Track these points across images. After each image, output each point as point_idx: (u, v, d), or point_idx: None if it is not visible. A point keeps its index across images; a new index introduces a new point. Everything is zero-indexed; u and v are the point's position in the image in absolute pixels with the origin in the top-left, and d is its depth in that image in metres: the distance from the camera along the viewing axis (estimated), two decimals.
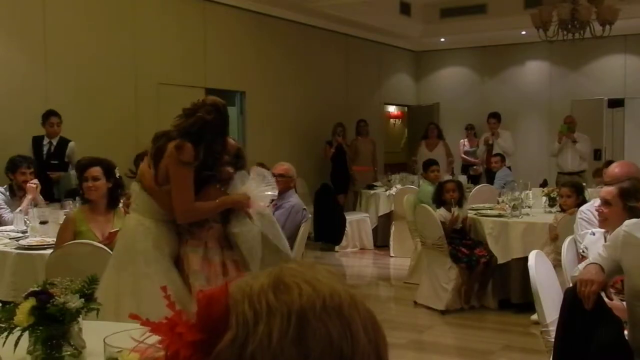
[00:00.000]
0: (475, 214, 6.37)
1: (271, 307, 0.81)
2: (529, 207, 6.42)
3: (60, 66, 7.25)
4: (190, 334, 0.82)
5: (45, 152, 6.71)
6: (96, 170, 4.09)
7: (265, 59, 10.04)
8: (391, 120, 15.00)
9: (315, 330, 0.81)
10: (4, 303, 2.96)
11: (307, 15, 10.44)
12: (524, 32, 11.23)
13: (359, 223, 9.29)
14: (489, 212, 6.41)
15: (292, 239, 4.99)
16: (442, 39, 12.92)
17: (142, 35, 8.18)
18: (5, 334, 1.70)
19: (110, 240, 3.96)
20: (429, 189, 6.98)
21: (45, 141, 6.72)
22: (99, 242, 3.89)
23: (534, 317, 4.84)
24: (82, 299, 1.84)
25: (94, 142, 6.96)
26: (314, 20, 10.75)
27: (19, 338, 1.73)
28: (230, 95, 10.20)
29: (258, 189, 3.21)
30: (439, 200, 6.26)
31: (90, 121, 7.37)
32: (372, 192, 9.65)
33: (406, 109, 14.39)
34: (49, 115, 6.72)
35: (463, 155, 11.25)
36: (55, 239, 4.18)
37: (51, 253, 3.96)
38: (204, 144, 3.14)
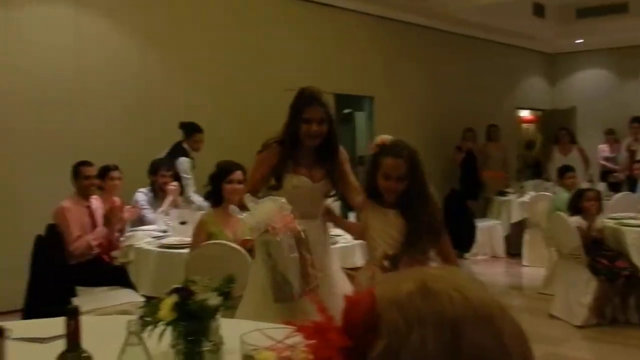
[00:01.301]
0: (617, 224, 6.02)
1: (422, 315, 0.79)
2: None
3: (193, 72, 7.59)
4: (341, 340, 0.81)
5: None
6: (241, 174, 4.27)
7: (393, 63, 10.03)
8: (524, 125, 14.54)
9: (468, 341, 0.79)
10: (149, 298, 3.12)
11: (434, 20, 10.33)
12: None
13: (490, 230, 9.06)
14: (631, 221, 6.05)
15: None
16: (579, 40, 12.37)
17: (271, 42, 8.40)
18: (151, 327, 1.78)
19: (244, 245, 4.07)
20: (564, 195, 6.71)
21: (192, 155, 6.70)
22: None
23: None
24: (221, 297, 1.90)
25: (223, 147, 7.16)
26: (441, 24, 10.62)
27: (162, 332, 1.80)
28: (359, 100, 10.27)
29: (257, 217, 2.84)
30: (575, 208, 6.00)
31: (220, 127, 7.59)
32: (503, 198, 9.39)
33: (540, 113, 13.89)
34: (195, 131, 6.71)
35: (602, 162, 10.71)
36: None
37: (189, 252, 4.15)
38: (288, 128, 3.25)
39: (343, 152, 3.41)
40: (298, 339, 0.88)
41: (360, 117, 10.68)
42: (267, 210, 2.81)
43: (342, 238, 4.83)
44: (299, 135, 3.20)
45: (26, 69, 6.40)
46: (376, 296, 0.83)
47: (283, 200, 2.86)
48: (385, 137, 3.11)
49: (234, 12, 8.06)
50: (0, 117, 6.24)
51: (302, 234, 2.85)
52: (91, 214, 5.21)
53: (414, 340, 0.78)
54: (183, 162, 6.55)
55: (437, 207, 3.11)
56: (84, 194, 5.21)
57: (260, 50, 8.26)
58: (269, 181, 3.22)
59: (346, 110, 10.90)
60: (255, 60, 8.17)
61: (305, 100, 3.23)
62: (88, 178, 5.20)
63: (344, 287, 3.18)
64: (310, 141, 3.21)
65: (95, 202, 5.34)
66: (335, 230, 5.14)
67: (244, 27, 8.13)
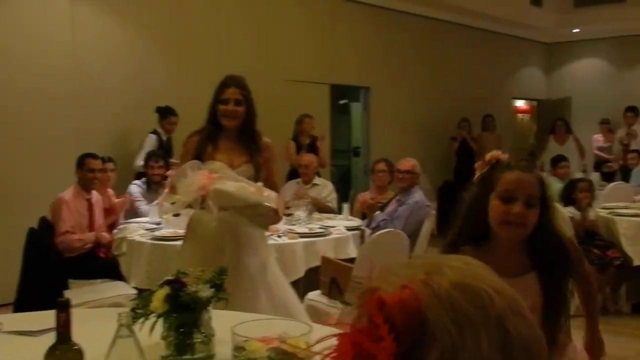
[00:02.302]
0: (609, 213, 6.05)
1: (469, 316, 0.78)
2: None
3: (194, 65, 7.57)
4: (392, 346, 0.76)
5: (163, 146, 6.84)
6: None
7: (389, 53, 10.01)
8: (519, 115, 14.55)
9: (514, 335, 0.79)
10: (140, 290, 3.13)
11: (434, 9, 10.30)
12: None
13: None
14: (624, 211, 6.08)
15: (415, 235, 4.96)
16: (576, 30, 12.36)
17: (270, 32, 8.37)
18: (142, 319, 1.79)
19: None
20: (557, 185, 6.73)
21: (164, 137, 6.86)
22: None
23: None
24: (212, 289, 1.91)
25: None
26: (440, 14, 10.60)
27: (154, 324, 1.81)
28: (354, 90, 10.25)
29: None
30: (567, 198, 6.03)
31: None
32: None
33: (535, 103, 13.90)
34: (169, 114, 6.85)
35: (596, 152, 10.72)
36: None
37: (182, 244, 4.14)
38: None
39: (269, 147, 3.41)
40: (330, 343, 0.80)
41: (356, 108, 10.67)
42: (187, 181, 2.88)
43: (336, 229, 4.84)
44: (217, 118, 3.28)
45: (26, 62, 6.34)
46: (418, 294, 0.79)
47: (188, 163, 2.95)
48: (497, 153, 2.20)
49: (233, 3, 8.02)
50: (1, 110, 6.20)
51: (225, 170, 2.92)
52: (90, 208, 5.20)
53: (469, 343, 0.77)
54: (149, 137, 6.71)
55: (573, 245, 2.24)
56: (85, 186, 5.18)
57: (259, 42, 8.23)
58: None
59: (342, 101, 10.89)
60: (254, 52, 8.13)
61: (223, 82, 3.37)
62: (92, 171, 5.16)
63: (267, 284, 3.14)
64: (227, 122, 3.27)
65: (96, 195, 5.33)
66: (329, 222, 5.16)
67: (243, 18, 8.10)
